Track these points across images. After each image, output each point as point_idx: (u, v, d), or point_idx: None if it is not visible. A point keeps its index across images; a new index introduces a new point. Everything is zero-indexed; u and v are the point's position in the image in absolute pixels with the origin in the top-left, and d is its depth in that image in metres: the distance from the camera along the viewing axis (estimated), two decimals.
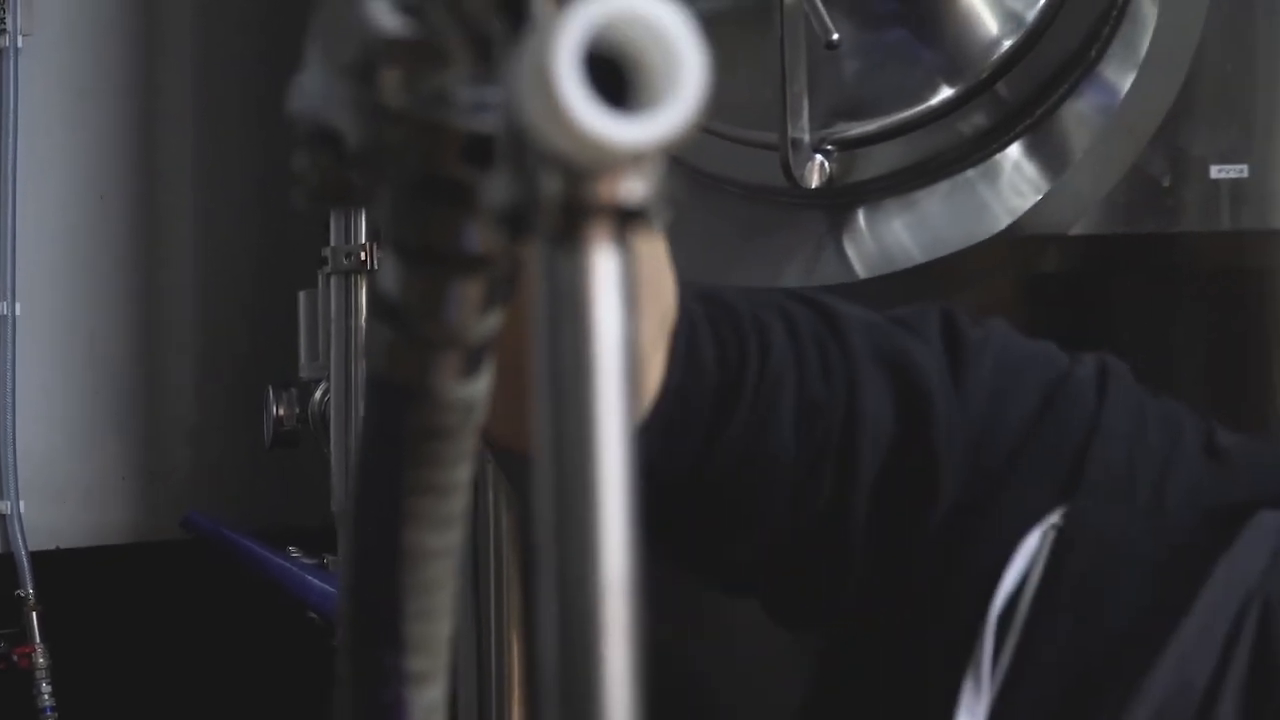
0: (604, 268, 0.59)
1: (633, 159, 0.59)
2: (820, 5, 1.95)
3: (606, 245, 0.59)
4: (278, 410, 2.84)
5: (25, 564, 3.11)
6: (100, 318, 3.27)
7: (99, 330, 3.27)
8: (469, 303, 0.71)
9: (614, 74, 0.58)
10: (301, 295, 2.82)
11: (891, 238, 2.10)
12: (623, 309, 0.60)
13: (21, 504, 3.13)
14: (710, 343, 1.08)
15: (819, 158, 2.07)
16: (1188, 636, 1.10)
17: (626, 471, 0.60)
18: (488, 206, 0.64)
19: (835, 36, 1.95)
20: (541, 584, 0.60)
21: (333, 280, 2.68)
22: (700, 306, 1.08)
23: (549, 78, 0.58)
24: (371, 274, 2.64)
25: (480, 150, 0.64)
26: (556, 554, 0.60)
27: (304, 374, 2.82)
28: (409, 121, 0.66)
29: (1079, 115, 2.06)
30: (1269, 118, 2.10)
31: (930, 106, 2.08)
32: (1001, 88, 2.07)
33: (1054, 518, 1.13)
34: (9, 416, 3.14)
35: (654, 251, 0.96)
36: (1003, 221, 2.06)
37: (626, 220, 0.59)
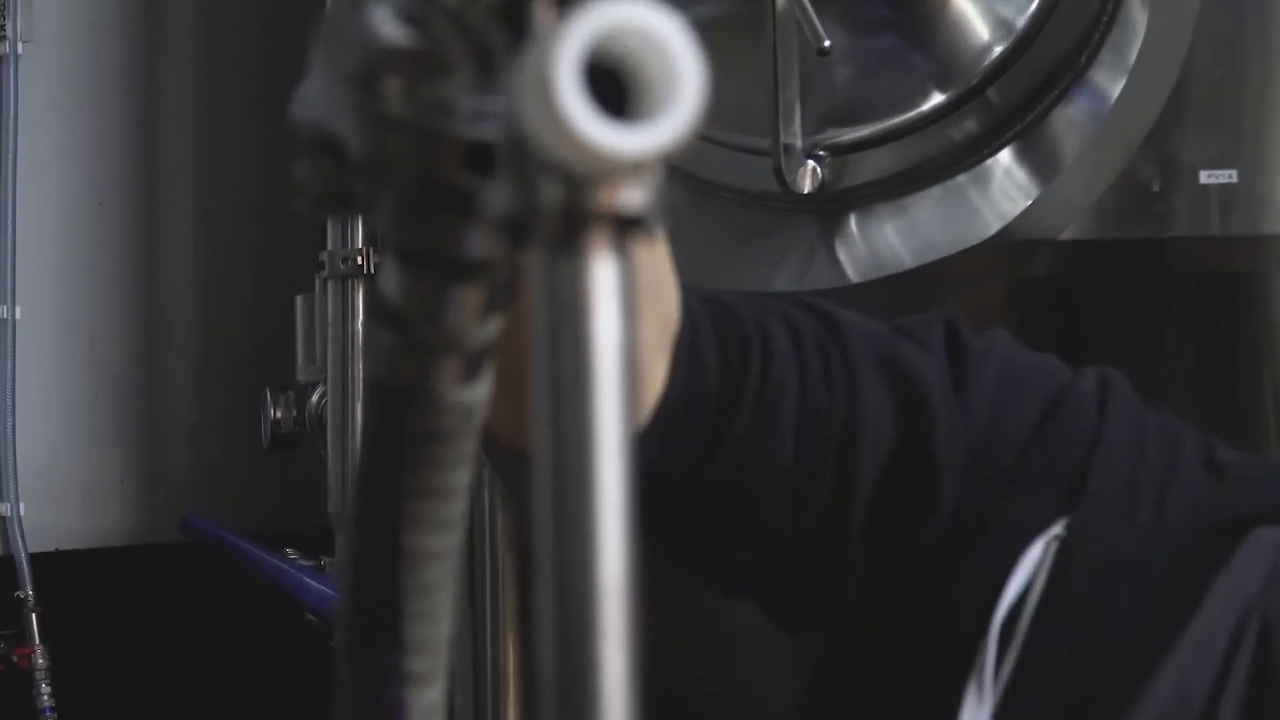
0: (603, 275, 0.60)
1: (632, 168, 0.59)
2: (812, 12, 1.96)
3: (606, 252, 0.60)
4: (275, 413, 2.84)
5: (25, 566, 3.11)
6: (100, 320, 3.27)
7: (99, 332, 3.27)
8: (469, 308, 0.71)
9: (614, 84, 0.59)
10: (299, 299, 2.82)
11: (883, 242, 2.11)
12: (622, 315, 0.60)
13: (21, 506, 3.13)
14: (713, 346, 1.08)
15: (811, 163, 2.07)
16: (1188, 650, 1.11)
17: (624, 476, 0.60)
18: (489, 214, 0.64)
19: (827, 43, 1.96)
20: (540, 587, 0.61)
21: (330, 284, 2.69)
22: (704, 310, 1.09)
23: (549, 88, 0.58)
24: (368, 278, 2.65)
25: (481, 158, 0.65)
26: (555, 558, 0.61)
27: (301, 377, 2.83)
28: (411, 130, 0.67)
29: (1069, 121, 2.07)
30: (1258, 124, 2.10)
31: (921, 112, 2.08)
32: (992, 94, 2.07)
33: (1057, 529, 1.13)
34: (9, 419, 3.14)
35: (656, 256, 0.97)
36: (993, 226, 2.07)
37: (625, 228, 0.60)
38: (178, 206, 3.33)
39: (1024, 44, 2.06)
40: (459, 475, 0.75)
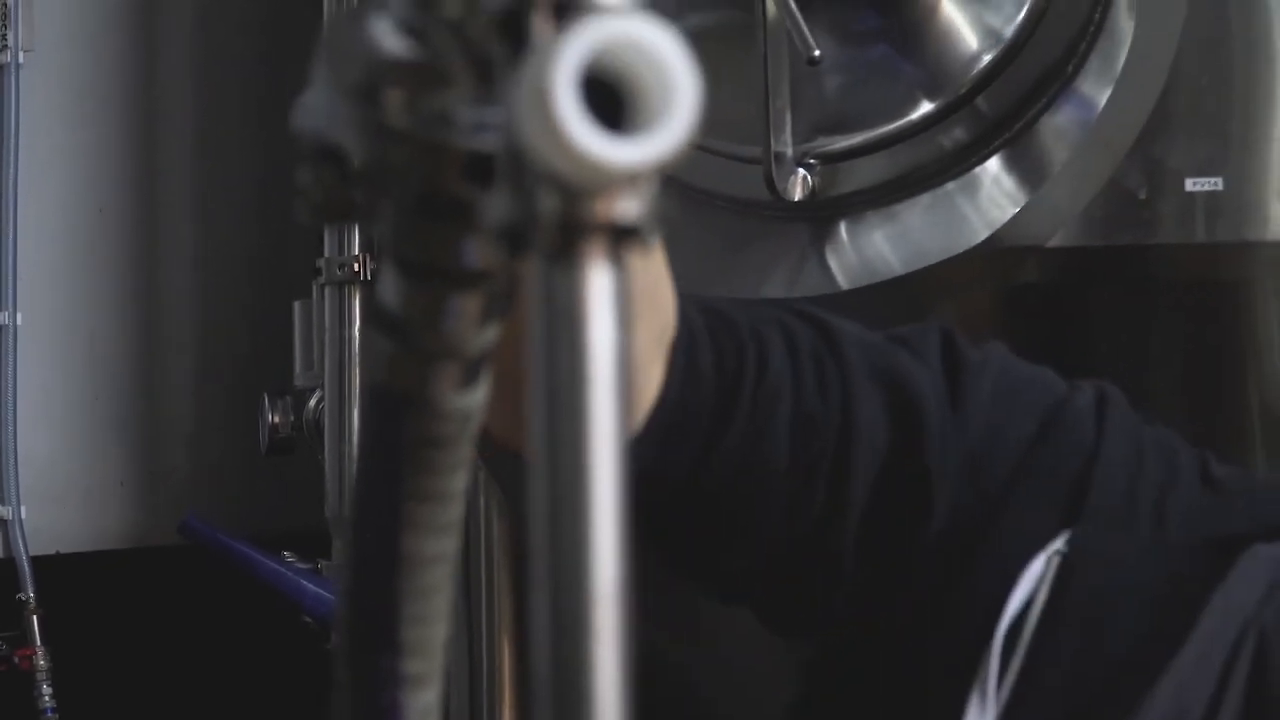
0: (599, 284, 0.61)
1: (628, 179, 0.60)
2: (802, 22, 1.96)
3: (601, 262, 0.60)
4: (273, 418, 2.85)
5: (26, 568, 3.11)
6: (100, 322, 3.27)
7: (99, 335, 3.26)
8: (468, 316, 0.72)
9: (610, 97, 0.60)
10: (296, 305, 2.83)
11: (873, 249, 2.11)
12: (617, 324, 0.61)
13: (23, 509, 3.14)
14: (709, 353, 1.09)
15: (802, 171, 2.08)
16: (1185, 664, 1.11)
17: (618, 482, 0.61)
18: (487, 223, 0.65)
19: (817, 53, 1.96)
20: (535, 591, 0.61)
21: (327, 291, 2.69)
22: (700, 317, 1.09)
23: (547, 100, 0.59)
24: (365, 285, 2.65)
25: (481, 169, 0.65)
26: (550, 561, 0.61)
27: (299, 382, 2.84)
28: (412, 141, 0.67)
29: (1057, 129, 2.08)
30: (1243, 131, 2.11)
31: (911, 121, 2.09)
32: (981, 102, 2.08)
33: (1058, 543, 1.14)
34: (10, 423, 3.14)
35: (653, 264, 0.97)
36: (982, 234, 2.07)
37: (621, 238, 0.60)
38: (177, 209, 3.33)
39: (1012, 53, 2.06)
40: (456, 480, 0.76)
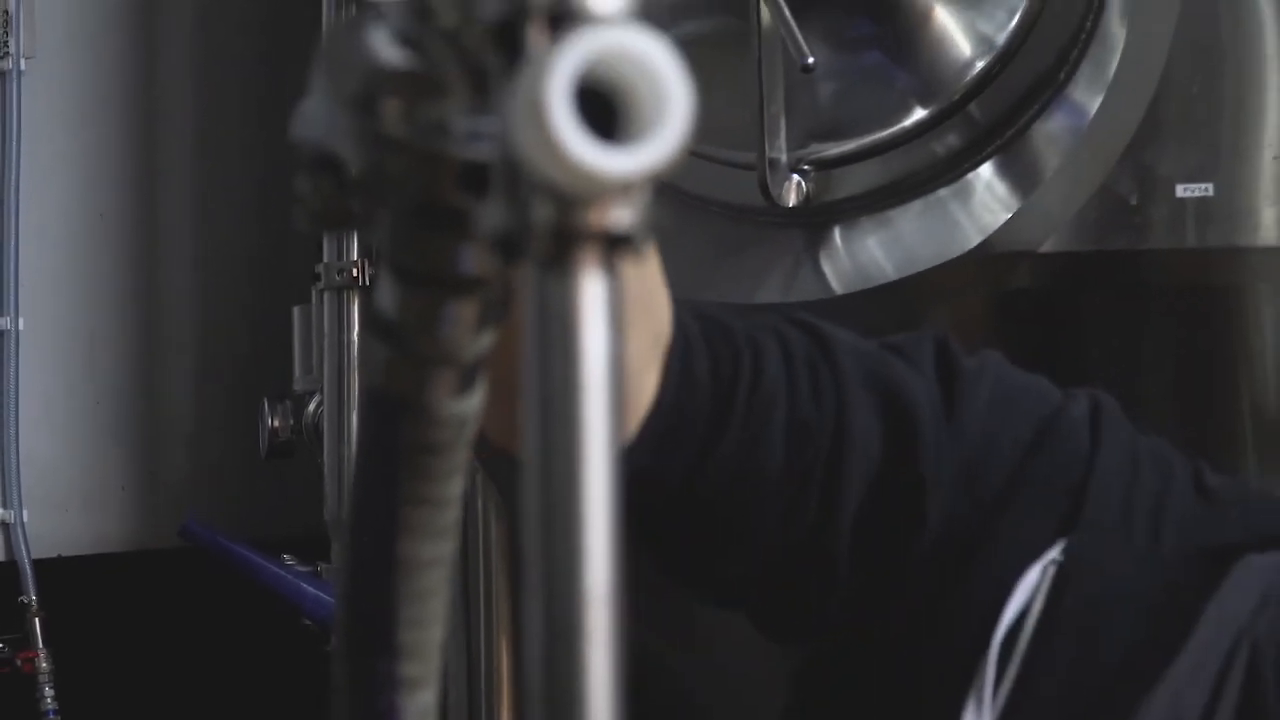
0: (592, 292, 0.61)
1: (621, 188, 0.60)
2: (796, 29, 1.97)
3: (595, 270, 0.61)
4: (273, 422, 2.86)
5: (28, 571, 3.12)
6: (101, 326, 3.27)
7: (100, 340, 3.26)
8: (463, 322, 0.73)
9: (604, 106, 0.60)
10: (295, 310, 2.83)
11: (866, 255, 2.12)
12: (610, 331, 0.61)
13: (25, 512, 3.15)
14: (704, 359, 1.09)
15: (796, 177, 2.09)
16: (1180, 674, 1.11)
17: (611, 487, 0.61)
18: (482, 232, 0.65)
19: (811, 60, 1.97)
20: (528, 594, 0.62)
21: (326, 296, 2.70)
22: (696, 324, 1.09)
23: (542, 110, 0.59)
24: (364, 290, 2.66)
25: (476, 178, 0.66)
26: (543, 565, 0.62)
27: (298, 387, 2.84)
28: (409, 150, 0.68)
29: (1049, 135, 2.08)
30: (1234, 137, 2.11)
31: (904, 127, 2.09)
32: (974, 109, 2.09)
33: (1054, 553, 1.14)
34: (12, 427, 3.15)
35: (648, 270, 0.98)
36: (974, 239, 2.08)
37: (614, 246, 0.61)
38: (177, 212, 3.33)
39: (1005, 60, 2.07)
40: (452, 485, 0.76)
